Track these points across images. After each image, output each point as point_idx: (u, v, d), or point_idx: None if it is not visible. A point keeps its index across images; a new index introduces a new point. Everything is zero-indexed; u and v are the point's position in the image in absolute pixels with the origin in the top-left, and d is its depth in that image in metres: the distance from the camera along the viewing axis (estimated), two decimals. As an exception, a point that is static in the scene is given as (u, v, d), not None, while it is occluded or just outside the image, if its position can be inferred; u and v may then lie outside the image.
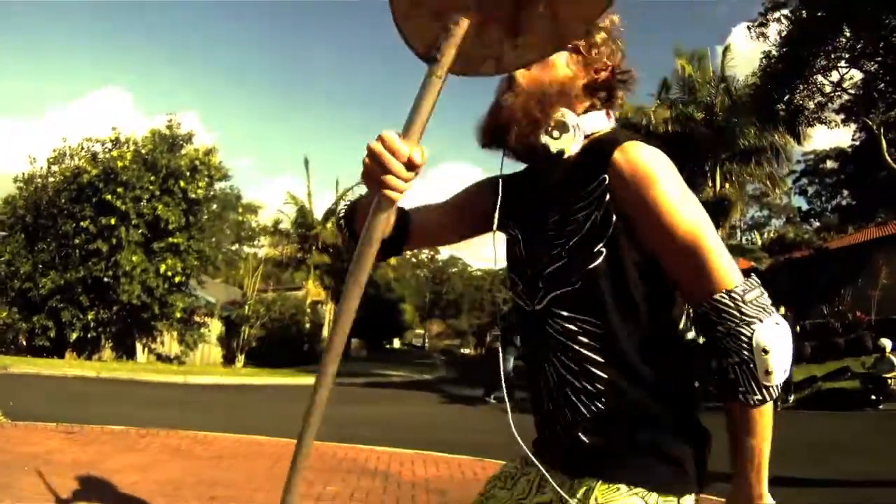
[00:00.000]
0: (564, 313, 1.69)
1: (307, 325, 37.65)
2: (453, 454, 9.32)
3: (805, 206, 56.22)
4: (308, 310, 39.35)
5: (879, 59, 21.25)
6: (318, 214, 43.60)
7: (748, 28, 24.42)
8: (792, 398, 16.51)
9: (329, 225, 42.73)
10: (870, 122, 20.94)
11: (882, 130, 20.85)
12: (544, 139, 1.69)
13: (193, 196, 24.94)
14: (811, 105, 23.05)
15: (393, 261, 50.30)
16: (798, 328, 21.34)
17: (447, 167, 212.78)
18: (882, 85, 20.74)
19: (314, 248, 42.32)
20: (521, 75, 1.73)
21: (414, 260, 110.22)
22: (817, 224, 46.66)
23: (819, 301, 25.44)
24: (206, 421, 11.25)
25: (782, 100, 22.22)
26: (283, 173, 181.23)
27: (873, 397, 15.72)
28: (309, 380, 23.78)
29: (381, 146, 1.34)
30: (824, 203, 45.86)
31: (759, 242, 31.73)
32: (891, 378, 15.98)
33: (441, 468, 8.38)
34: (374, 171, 1.35)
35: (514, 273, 1.92)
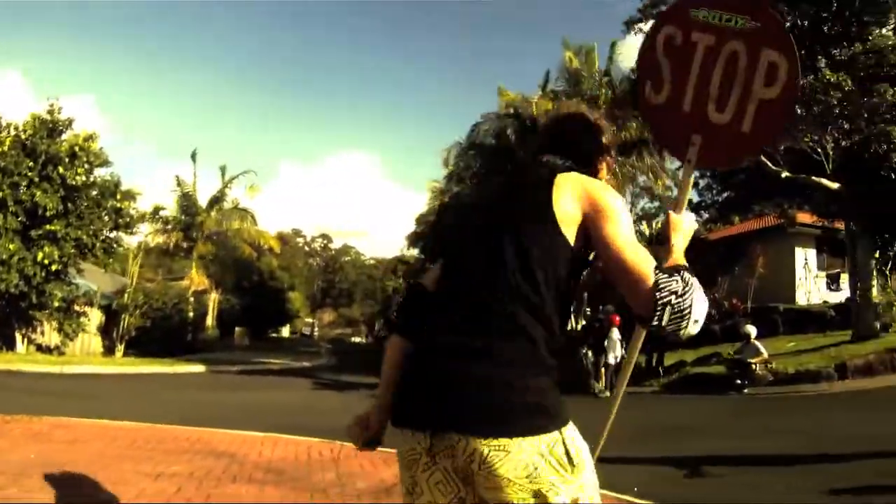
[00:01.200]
0: None
1: (190, 315, 37.06)
2: (305, 436, 9.49)
3: (696, 199, 58.07)
4: (191, 299, 38.77)
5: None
6: (205, 202, 43.04)
7: (625, 25, 24.93)
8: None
9: (213, 213, 42.20)
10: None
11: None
12: None
13: (73, 183, 24.19)
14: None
15: (277, 247, 49.95)
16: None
17: (345, 155, 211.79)
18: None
19: (199, 236, 41.68)
20: None
21: (307, 248, 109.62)
22: (707, 216, 48.16)
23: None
24: (74, 408, 11.18)
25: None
26: (182, 158, 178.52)
27: (738, 382, 16.31)
28: (188, 368, 23.59)
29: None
30: (715, 196, 47.08)
31: (648, 233, 32.28)
32: (755, 363, 16.60)
33: (289, 450, 8.52)
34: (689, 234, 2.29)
35: None
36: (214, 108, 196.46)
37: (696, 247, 13.66)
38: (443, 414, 1.94)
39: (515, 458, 1.86)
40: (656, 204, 68.34)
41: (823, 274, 29.00)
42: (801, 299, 27.47)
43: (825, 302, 26.29)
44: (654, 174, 30.03)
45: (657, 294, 1.84)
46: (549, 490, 1.89)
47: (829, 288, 28.51)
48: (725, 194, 28.19)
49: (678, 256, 2.13)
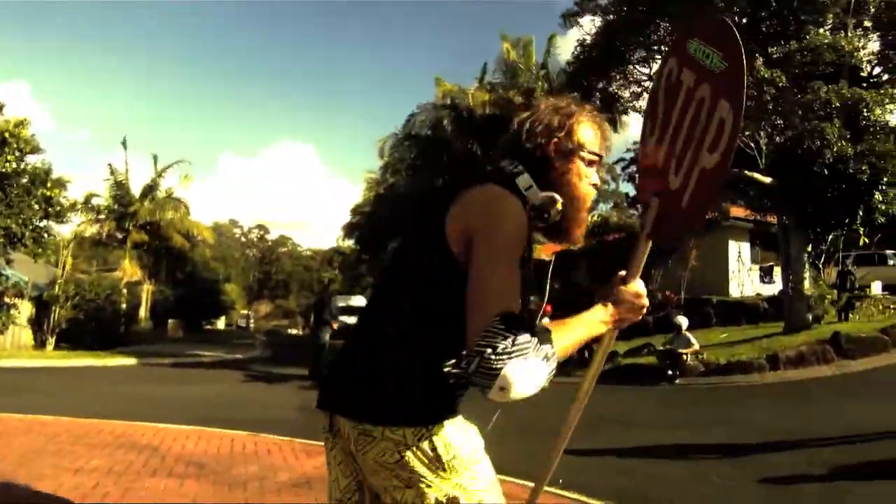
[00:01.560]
0: None
1: (123, 306, 36.39)
2: (230, 429, 9.50)
3: (633, 193, 58.71)
4: (125, 290, 38.05)
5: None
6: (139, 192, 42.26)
7: (563, 17, 25.03)
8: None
9: (147, 203, 41.45)
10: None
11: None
12: None
13: (2, 170, 23.53)
14: (626, 94, 23.80)
15: (210, 238, 49.23)
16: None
17: (283, 145, 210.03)
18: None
19: (132, 225, 40.91)
20: None
21: (243, 239, 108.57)
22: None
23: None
24: (1, 403, 11.02)
25: (596, 87, 22.83)
26: (121, 148, 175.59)
27: (669, 372, 16.51)
28: (120, 361, 23.18)
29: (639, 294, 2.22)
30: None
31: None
32: (686, 354, 16.80)
33: (213, 443, 8.49)
34: (638, 309, 2.21)
35: None
36: (151, 98, 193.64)
37: (630, 240, 13.86)
38: (331, 396, 2.17)
39: (381, 444, 1.99)
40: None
41: (757, 267, 29.46)
42: (735, 292, 27.88)
43: (758, 294, 26.75)
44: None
45: (478, 338, 1.74)
46: (420, 482, 2.00)
47: (762, 281, 28.98)
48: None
49: (571, 323, 2.02)
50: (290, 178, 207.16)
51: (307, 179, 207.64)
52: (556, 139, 2.19)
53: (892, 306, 22.88)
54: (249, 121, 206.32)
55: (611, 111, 24.53)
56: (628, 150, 53.85)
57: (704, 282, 26.56)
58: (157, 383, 17.55)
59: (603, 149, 2.27)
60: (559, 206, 2.10)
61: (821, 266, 23.56)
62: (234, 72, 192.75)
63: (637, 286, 2.18)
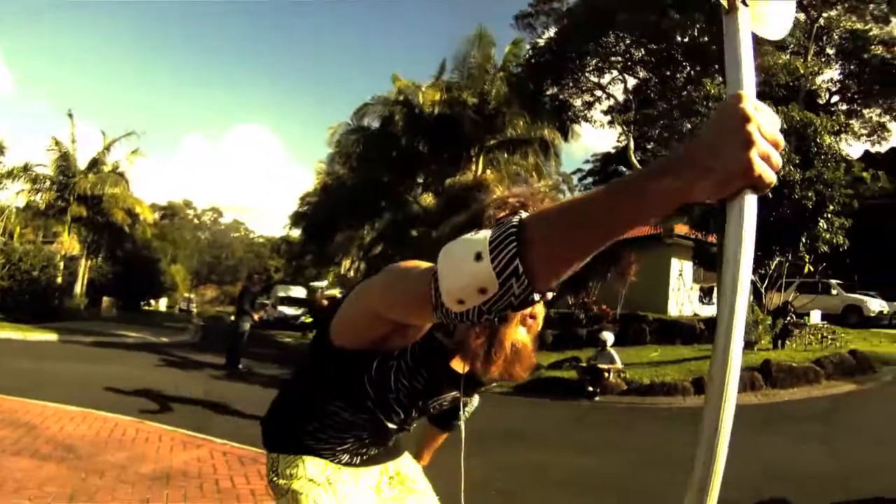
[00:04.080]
0: None
1: (59, 280, 35.48)
2: (118, 414, 9.28)
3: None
4: (61, 264, 37.12)
5: (652, 68, 21.85)
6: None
7: (515, 19, 24.69)
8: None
9: (91, 176, 40.56)
10: (622, 126, 21.47)
11: (632, 134, 21.38)
12: None
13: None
14: (577, 103, 23.45)
15: (150, 217, 48.45)
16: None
17: (241, 129, 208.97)
18: (650, 93, 21.21)
19: (72, 198, 39.94)
20: None
21: (196, 221, 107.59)
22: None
23: (567, 292, 26.20)
24: None
25: (544, 93, 22.42)
26: (85, 121, 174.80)
27: (590, 389, 16.07)
28: (41, 336, 22.70)
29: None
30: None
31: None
32: (608, 371, 16.35)
33: (93, 426, 8.30)
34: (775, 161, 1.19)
35: None
36: (120, 75, 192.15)
37: None
38: None
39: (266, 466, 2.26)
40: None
41: (697, 286, 29.27)
42: (674, 310, 27.71)
43: (696, 315, 26.50)
44: (537, 174, 29.83)
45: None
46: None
47: (701, 301, 28.77)
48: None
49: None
50: (251, 162, 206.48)
51: (267, 164, 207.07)
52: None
53: (830, 336, 22.67)
54: (216, 103, 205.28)
55: (561, 119, 24.23)
56: (587, 161, 54.24)
57: (643, 298, 26.23)
58: (68, 361, 17.09)
59: None
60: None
61: (763, 291, 23.26)
62: (205, 53, 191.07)
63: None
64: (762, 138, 1.10)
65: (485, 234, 1.33)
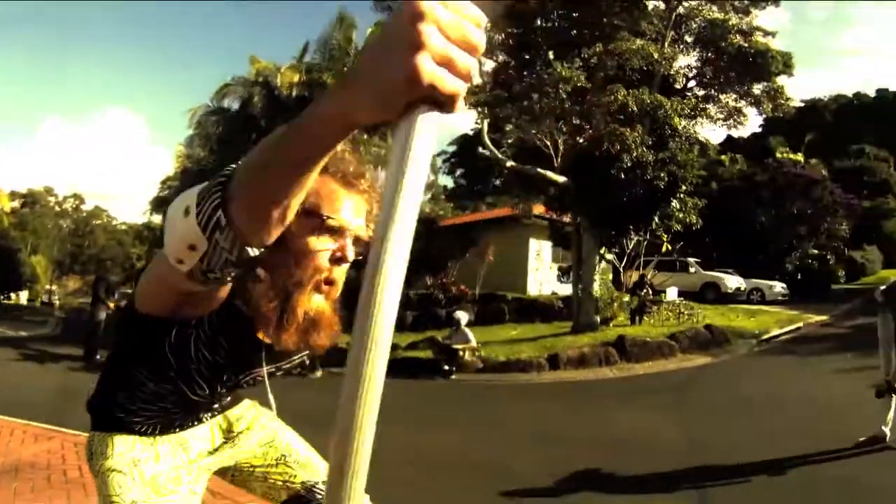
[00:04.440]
0: None
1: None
2: None
3: (452, 185, 59.52)
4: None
5: (510, 52, 22.03)
6: None
7: (374, 0, 24.53)
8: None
9: None
10: (475, 108, 21.53)
11: (485, 115, 21.49)
12: None
13: None
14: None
15: (7, 206, 46.56)
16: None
17: (103, 111, 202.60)
18: (508, 76, 21.35)
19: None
20: None
21: (58, 208, 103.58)
22: (481, 201, 49.35)
23: (427, 273, 26.37)
24: None
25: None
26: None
27: (446, 367, 16.24)
28: None
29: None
30: (458, 179, 48.25)
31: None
32: (462, 350, 16.56)
33: None
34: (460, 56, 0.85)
35: None
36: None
37: (428, 232, 13.61)
38: None
39: None
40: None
41: (556, 266, 29.76)
42: (533, 289, 28.11)
43: (554, 293, 26.96)
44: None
45: None
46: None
47: (559, 280, 29.26)
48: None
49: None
50: (113, 146, 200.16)
51: (129, 148, 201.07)
52: None
53: (687, 312, 23.46)
54: (76, 85, 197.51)
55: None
56: (450, 143, 54.44)
57: (502, 278, 26.50)
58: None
59: (337, 212, 1.77)
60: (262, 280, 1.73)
61: (621, 269, 23.90)
62: (61, 33, 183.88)
63: None
64: (441, 38, 0.82)
65: (199, 187, 1.28)
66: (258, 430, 2.43)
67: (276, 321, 1.74)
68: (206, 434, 2.31)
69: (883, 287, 8.97)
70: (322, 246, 1.74)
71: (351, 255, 1.77)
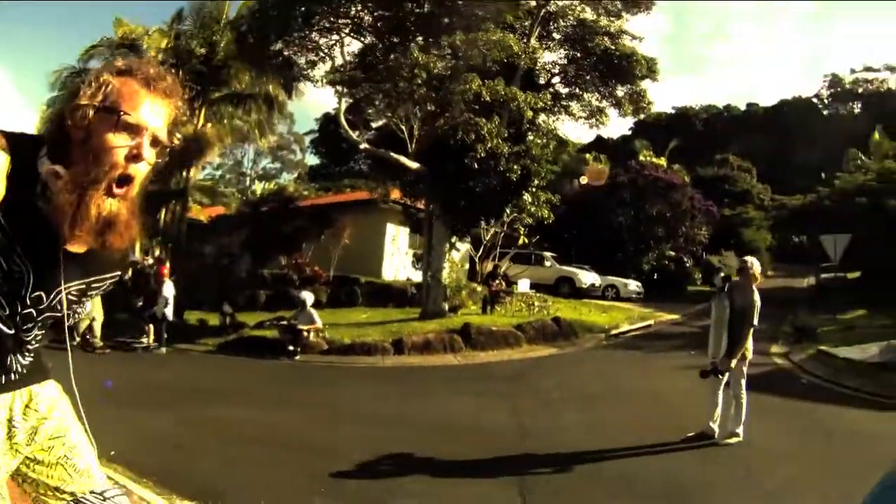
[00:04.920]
0: None
1: None
2: None
3: (317, 163, 58.91)
4: None
5: (379, 34, 21.88)
6: None
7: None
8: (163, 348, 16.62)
9: None
10: (333, 87, 21.34)
11: (344, 96, 21.28)
12: None
13: None
14: (302, 61, 23.10)
15: None
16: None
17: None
18: (371, 58, 21.17)
19: None
20: None
21: None
22: (341, 182, 48.91)
23: (281, 252, 26.12)
24: None
25: (269, 48, 21.92)
26: None
27: (291, 348, 16.13)
28: None
29: None
30: (335, 166, 47.77)
31: (259, 192, 31.92)
32: (307, 330, 16.45)
33: None
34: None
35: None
36: None
37: (284, 212, 13.45)
38: None
39: None
40: (278, 165, 69.41)
41: (412, 252, 29.77)
42: (388, 274, 28.07)
43: (409, 279, 26.99)
44: (260, 130, 29.33)
45: None
46: None
47: (414, 266, 29.28)
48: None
49: None
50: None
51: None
52: (78, 102, 1.79)
53: (539, 304, 23.82)
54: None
55: (286, 78, 23.87)
56: (316, 119, 53.77)
57: (358, 261, 26.45)
58: None
59: (136, 110, 1.77)
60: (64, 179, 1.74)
61: (477, 259, 24.09)
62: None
63: None
64: None
65: None
66: (54, 418, 2.25)
67: (71, 217, 1.73)
68: (5, 405, 2.11)
69: (722, 273, 9.33)
70: (119, 143, 1.75)
71: (147, 153, 1.78)
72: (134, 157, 1.78)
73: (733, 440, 8.32)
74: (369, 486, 6.54)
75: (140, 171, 1.83)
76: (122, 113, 1.76)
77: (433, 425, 9.42)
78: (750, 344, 8.57)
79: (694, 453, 8.01)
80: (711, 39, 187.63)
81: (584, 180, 39.35)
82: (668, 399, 11.76)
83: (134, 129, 1.78)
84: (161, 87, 1.85)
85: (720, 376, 8.43)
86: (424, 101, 18.53)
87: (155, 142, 1.82)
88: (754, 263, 8.78)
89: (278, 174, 63.95)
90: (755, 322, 8.43)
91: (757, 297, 8.48)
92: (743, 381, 8.53)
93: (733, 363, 8.35)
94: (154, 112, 1.82)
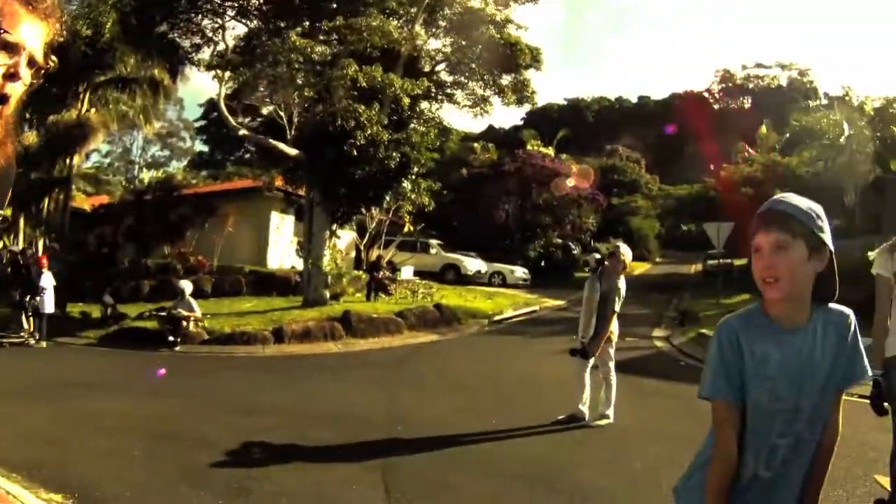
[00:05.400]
0: None
1: None
2: None
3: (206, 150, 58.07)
4: None
5: (265, 18, 21.64)
6: None
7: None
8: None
9: None
10: (217, 73, 21.03)
11: (224, 80, 21.00)
12: None
13: None
14: (187, 44, 22.69)
15: None
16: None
17: None
18: (256, 42, 20.91)
19: None
20: None
21: None
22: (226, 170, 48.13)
23: (165, 242, 25.65)
24: None
25: (154, 30, 21.42)
26: None
27: (171, 338, 15.88)
28: None
29: None
30: (225, 152, 47.14)
31: (147, 181, 31.16)
32: (187, 320, 16.23)
33: None
34: None
35: None
36: None
37: (168, 200, 13.21)
38: None
39: None
40: (167, 153, 68.18)
41: (297, 240, 29.52)
42: (274, 263, 27.72)
43: (293, 268, 26.70)
44: (144, 116, 28.64)
45: None
46: None
47: (298, 254, 29.03)
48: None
49: None
50: None
51: None
52: None
53: (424, 291, 23.94)
54: None
55: (171, 62, 23.39)
56: (200, 105, 52.76)
57: (243, 250, 26.17)
58: None
59: (15, 28, 1.62)
60: None
61: (363, 247, 24.06)
62: None
63: None
64: None
65: None
66: None
67: None
68: None
69: (597, 255, 9.48)
70: None
71: (24, 73, 1.67)
72: (11, 75, 1.66)
73: (603, 422, 8.47)
74: (237, 475, 6.49)
75: (16, 90, 1.71)
76: (1, 31, 1.71)
77: (305, 413, 9.40)
78: (615, 327, 8.78)
79: (563, 435, 8.14)
80: (606, 32, 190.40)
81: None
82: (542, 383, 11.94)
83: (12, 48, 1.66)
84: (41, 7, 1.74)
85: (586, 358, 8.62)
86: (303, 86, 18.36)
87: (31, 62, 1.71)
88: (626, 251, 8.93)
89: (167, 162, 62.69)
90: (616, 308, 8.60)
91: (622, 282, 8.68)
92: (611, 364, 8.74)
93: (599, 346, 8.53)
94: (33, 32, 1.72)
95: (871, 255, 4.87)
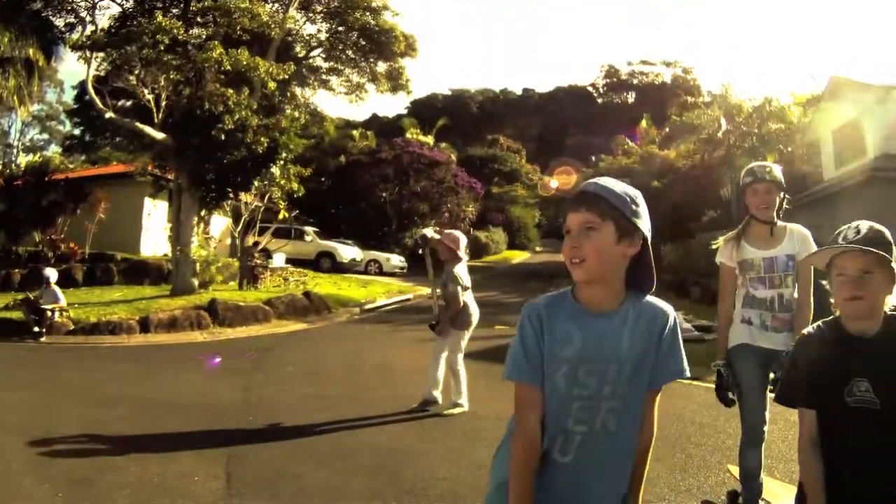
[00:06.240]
0: None
1: None
2: None
3: (79, 133, 56.16)
4: None
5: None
6: None
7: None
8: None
9: None
10: (84, 54, 20.37)
11: (86, 60, 20.39)
12: None
13: None
14: (60, 23, 21.99)
15: None
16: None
17: None
18: (134, 23, 20.33)
19: None
20: None
21: None
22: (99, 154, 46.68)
23: (36, 228, 24.88)
24: None
25: (26, 8, 20.66)
26: None
27: (35, 329, 15.38)
28: None
29: None
30: (96, 135, 45.83)
31: (24, 165, 30.11)
32: (51, 310, 15.72)
33: None
34: None
35: None
36: None
37: (36, 185, 12.69)
38: None
39: None
40: (46, 136, 66.00)
41: (169, 226, 28.98)
42: (146, 250, 27.16)
43: (166, 255, 26.18)
44: (19, 98, 27.67)
45: None
46: None
47: (169, 242, 28.59)
48: (118, 138, 27.08)
49: None
50: None
51: None
52: None
53: (296, 279, 23.80)
54: None
55: (44, 41, 22.60)
56: (73, 87, 50.91)
57: (116, 237, 25.44)
58: None
59: None
60: None
61: (237, 234, 23.72)
62: None
63: None
64: None
65: None
66: None
67: None
68: None
69: (424, 232, 9.47)
70: None
71: None
72: None
73: (457, 410, 8.47)
74: (81, 466, 6.36)
75: None
76: None
77: (159, 403, 9.25)
78: (474, 317, 8.82)
79: (413, 424, 8.15)
80: (494, 24, 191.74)
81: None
82: (402, 372, 11.92)
83: None
84: None
85: (437, 337, 8.71)
86: (170, 68, 17.93)
87: None
88: (458, 237, 8.89)
89: (46, 146, 60.58)
90: (459, 294, 8.56)
91: (459, 268, 8.68)
92: (460, 356, 8.71)
93: (445, 329, 8.62)
94: None
95: (715, 244, 4.96)
